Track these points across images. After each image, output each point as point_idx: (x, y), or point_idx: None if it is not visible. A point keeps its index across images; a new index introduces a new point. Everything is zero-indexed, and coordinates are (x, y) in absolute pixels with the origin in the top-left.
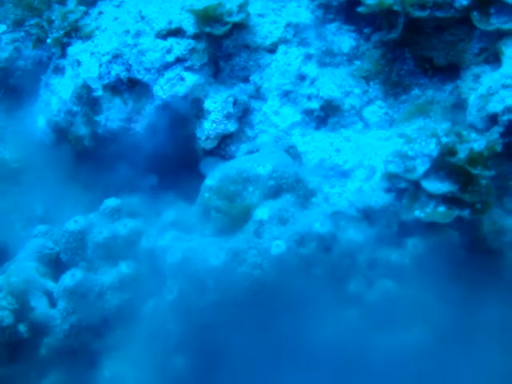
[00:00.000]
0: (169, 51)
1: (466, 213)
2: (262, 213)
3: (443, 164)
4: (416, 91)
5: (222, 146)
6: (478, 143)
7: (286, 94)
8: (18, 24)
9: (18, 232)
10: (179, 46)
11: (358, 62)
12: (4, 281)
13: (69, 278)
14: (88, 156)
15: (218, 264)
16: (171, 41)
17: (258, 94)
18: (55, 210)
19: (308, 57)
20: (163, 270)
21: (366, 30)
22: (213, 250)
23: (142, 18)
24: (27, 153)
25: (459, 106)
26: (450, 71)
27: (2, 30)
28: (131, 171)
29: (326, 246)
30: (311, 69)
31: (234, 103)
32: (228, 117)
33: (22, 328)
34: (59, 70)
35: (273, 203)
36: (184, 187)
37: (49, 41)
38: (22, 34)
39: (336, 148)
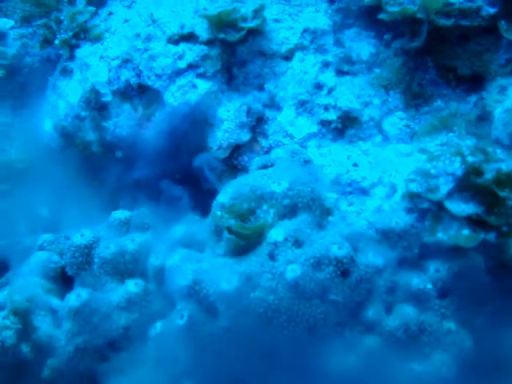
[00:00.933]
0: (181, 57)
1: (491, 236)
2: (277, 234)
3: (468, 184)
4: (438, 102)
5: (235, 156)
6: (506, 163)
7: (302, 104)
8: (25, 20)
9: (22, 234)
10: (192, 52)
11: (377, 70)
12: (7, 298)
13: (74, 299)
14: (96, 161)
15: (231, 289)
16: (183, 46)
17: (273, 103)
18: (61, 213)
19: (325, 64)
20: (172, 290)
21: (386, 37)
22: (225, 273)
23: (154, 21)
24: (33, 155)
25: (484, 118)
26: (475, 82)
27: (10, 25)
28: (140, 179)
29: (344, 270)
30: (329, 77)
31: (248, 112)
32: (241, 126)
33: (25, 348)
34: (67, 73)
35: (288, 223)
36: (195, 196)
37: (57, 42)
38: (30, 30)
39: (354, 162)
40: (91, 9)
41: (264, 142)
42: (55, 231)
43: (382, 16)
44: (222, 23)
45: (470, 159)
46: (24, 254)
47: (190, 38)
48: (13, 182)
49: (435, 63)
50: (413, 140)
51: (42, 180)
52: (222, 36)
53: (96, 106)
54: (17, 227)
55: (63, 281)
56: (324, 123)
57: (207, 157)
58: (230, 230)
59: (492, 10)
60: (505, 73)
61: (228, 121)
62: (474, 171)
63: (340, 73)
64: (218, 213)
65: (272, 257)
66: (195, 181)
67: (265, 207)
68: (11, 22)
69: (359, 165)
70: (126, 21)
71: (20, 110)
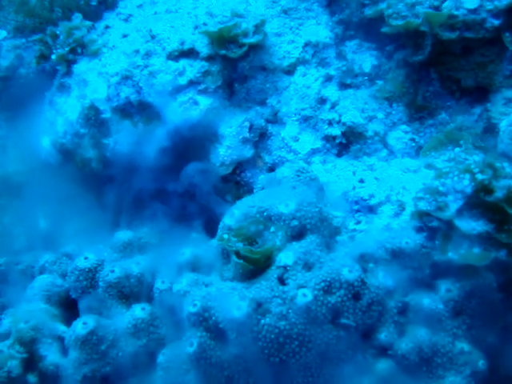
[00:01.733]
0: (181, 73)
1: (502, 254)
2: (286, 257)
3: (478, 202)
4: (443, 115)
5: (238, 172)
6: None
7: (305, 119)
8: (19, 30)
9: (21, 250)
10: (192, 69)
11: (380, 82)
12: (12, 326)
13: (80, 327)
14: (96, 178)
15: (240, 316)
16: (184, 62)
17: (276, 119)
18: (60, 229)
19: (328, 78)
20: (180, 316)
21: (388, 48)
22: (234, 299)
23: (153, 36)
24: (31, 169)
25: (489, 130)
26: (479, 93)
27: (3, 36)
28: (141, 196)
29: (355, 293)
30: (331, 91)
31: (250, 128)
32: (244, 142)
33: (31, 379)
34: (65, 89)
35: (297, 246)
36: (198, 214)
37: (53, 57)
38: (24, 40)
39: (360, 178)
40: (88, 23)
41: (267, 158)
42: (54, 247)
43: (384, 29)
44: (222, 39)
45: (479, 177)
46: (23, 273)
47: (190, 53)
48: (10, 196)
49: (439, 75)
50: (419, 155)
51: (40, 195)
52: (223, 52)
53: (95, 122)
54: (15, 243)
55: (67, 304)
56: (328, 138)
57: (205, 172)
58: (238, 254)
59: (496, 22)
60: (510, 84)
61: (230, 137)
62: (483, 189)
63: (343, 86)
64: (225, 236)
65: (282, 281)
66: (197, 197)
67: (272, 229)
68: (4, 33)
69: (365, 181)
70: (125, 36)
71: (15, 122)
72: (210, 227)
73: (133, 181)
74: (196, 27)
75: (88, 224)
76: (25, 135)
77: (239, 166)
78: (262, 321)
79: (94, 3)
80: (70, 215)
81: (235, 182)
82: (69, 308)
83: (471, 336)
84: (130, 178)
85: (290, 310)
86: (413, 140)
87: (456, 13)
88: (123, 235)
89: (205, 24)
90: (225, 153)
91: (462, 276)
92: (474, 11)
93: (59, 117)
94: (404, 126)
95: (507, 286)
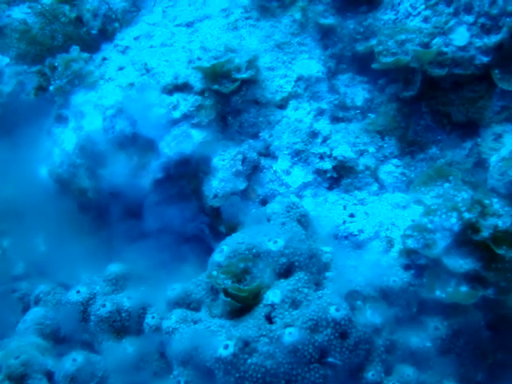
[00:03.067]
0: (175, 107)
1: (489, 292)
2: (274, 295)
3: (465, 240)
4: (434, 150)
5: (230, 204)
6: (503, 220)
7: (297, 153)
8: (21, 57)
9: (20, 274)
10: (186, 102)
11: (372, 115)
12: (3, 361)
13: (69, 364)
14: (92, 207)
15: (227, 355)
16: (178, 96)
17: (268, 152)
18: (57, 255)
19: (320, 112)
20: (169, 354)
21: (380, 81)
22: (221, 337)
23: (148, 70)
24: (29, 197)
25: (480, 164)
26: (469, 128)
27: (5, 62)
28: (135, 226)
29: (342, 331)
30: (323, 125)
31: (243, 161)
32: (237, 175)
33: None
34: (62, 119)
35: (285, 284)
36: (190, 246)
37: (51, 88)
38: (25, 67)
39: (350, 212)
40: (85, 55)
41: (260, 191)
42: (51, 273)
43: (375, 66)
44: (216, 74)
45: (466, 215)
46: (20, 301)
47: (184, 88)
48: (9, 222)
49: (430, 109)
50: (409, 189)
51: (38, 222)
52: (216, 87)
53: (91, 154)
54: (14, 268)
55: (59, 339)
56: (319, 172)
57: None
58: (226, 293)
59: (485, 59)
60: (500, 119)
61: (223, 169)
62: (470, 227)
63: (335, 119)
64: (214, 273)
65: (269, 319)
66: (190, 229)
67: (261, 266)
68: (6, 60)
69: (356, 215)
70: (121, 68)
71: (15, 147)
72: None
73: (127, 211)
74: (190, 61)
75: (84, 252)
76: (24, 162)
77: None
78: (249, 360)
79: (94, 32)
80: (67, 242)
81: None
82: (60, 340)
83: (459, 374)
84: (125, 209)
85: (277, 349)
86: (403, 174)
87: (445, 49)
88: (115, 268)
89: (199, 58)
90: (218, 185)
91: (450, 314)
92: (463, 48)
93: (56, 147)
94: (395, 160)
95: (495, 324)
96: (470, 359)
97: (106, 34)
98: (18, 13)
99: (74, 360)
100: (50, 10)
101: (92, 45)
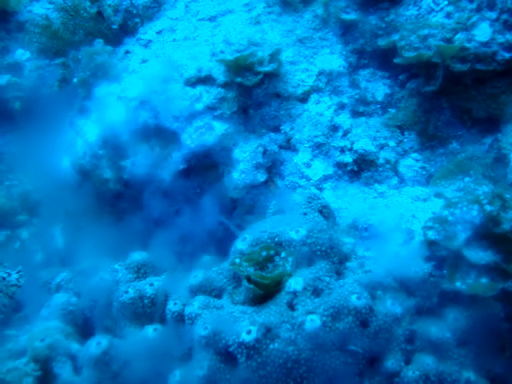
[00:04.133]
0: (198, 99)
1: (510, 284)
2: (296, 283)
3: (486, 232)
4: (454, 145)
5: (251, 196)
6: None
7: (318, 146)
8: (42, 52)
9: (38, 266)
10: (209, 95)
11: (392, 110)
12: (28, 344)
13: (94, 347)
14: (113, 198)
15: (250, 340)
16: (200, 89)
17: (289, 145)
18: (76, 245)
19: (341, 106)
20: (192, 338)
21: (401, 77)
22: (244, 323)
23: (171, 63)
24: (50, 187)
25: (500, 160)
26: (490, 123)
27: (26, 57)
28: (157, 217)
29: (363, 320)
30: (344, 119)
31: (264, 153)
32: (257, 167)
33: None
34: (85, 111)
35: (307, 272)
36: (212, 237)
37: (75, 80)
38: (47, 62)
39: (370, 205)
40: (108, 48)
41: (280, 183)
42: (71, 263)
43: (397, 60)
44: (239, 67)
45: (488, 208)
46: (41, 289)
47: (207, 80)
48: (29, 213)
49: (450, 104)
50: (429, 183)
51: (58, 212)
52: (238, 80)
53: (114, 145)
54: (33, 258)
55: (82, 322)
56: (340, 165)
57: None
58: (249, 279)
59: (507, 55)
60: None
61: (244, 162)
62: (491, 220)
63: (355, 114)
64: (237, 260)
65: (291, 306)
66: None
67: (283, 254)
68: (27, 54)
69: (376, 208)
70: (144, 61)
71: (35, 140)
72: (222, 248)
73: (149, 202)
74: (213, 55)
75: (104, 242)
76: (44, 154)
77: (252, 190)
78: (271, 346)
79: (115, 27)
80: (87, 233)
81: (249, 206)
82: (83, 326)
83: (478, 365)
84: (146, 199)
85: (299, 336)
86: (423, 168)
87: (468, 45)
88: (138, 256)
89: (222, 52)
90: (238, 177)
91: (470, 305)
92: (485, 44)
93: (79, 138)
94: (415, 155)
95: None
96: (488, 351)
97: (126, 30)
98: (39, 8)
99: (99, 343)
100: (72, 6)
101: (113, 40)
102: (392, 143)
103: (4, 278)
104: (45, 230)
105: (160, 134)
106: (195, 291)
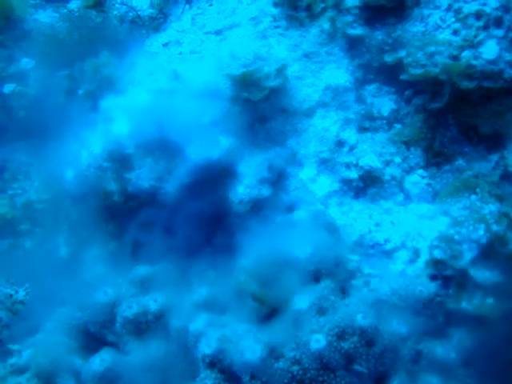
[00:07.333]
0: (204, 113)
1: None
2: (301, 302)
3: (492, 252)
4: (460, 161)
5: (256, 210)
6: None
7: (323, 162)
8: (47, 61)
9: (43, 276)
10: (214, 109)
11: (398, 126)
12: (31, 359)
13: (98, 363)
14: (117, 211)
15: (254, 359)
16: (206, 103)
17: (295, 160)
18: (80, 257)
19: (347, 121)
20: (196, 356)
21: (407, 92)
22: (249, 342)
23: (177, 76)
24: (54, 198)
25: (506, 177)
26: (496, 140)
27: (31, 65)
28: (160, 230)
29: (369, 339)
30: (350, 134)
31: (269, 168)
32: (262, 181)
33: None
34: (90, 123)
35: (312, 291)
36: (216, 251)
37: (80, 92)
38: (52, 71)
39: (376, 222)
40: (114, 60)
41: (285, 198)
42: (74, 275)
43: (403, 77)
44: (245, 82)
45: (494, 228)
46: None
47: (213, 94)
48: (32, 223)
49: (456, 121)
50: (435, 201)
51: (62, 223)
52: (245, 95)
53: (118, 157)
54: (36, 268)
55: (86, 336)
56: (345, 181)
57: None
58: (253, 297)
59: None
60: None
61: (249, 176)
62: (498, 239)
63: (361, 129)
64: (242, 277)
65: (296, 325)
66: (218, 234)
67: (288, 272)
68: (32, 63)
69: (381, 225)
70: (150, 74)
71: (40, 149)
72: (227, 263)
73: (153, 215)
74: (219, 69)
75: (107, 255)
76: (48, 164)
77: (257, 204)
78: (276, 365)
79: (121, 37)
80: (91, 245)
81: (253, 220)
82: (87, 340)
83: None
84: (151, 212)
85: (304, 355)
86: (429, 185)
87: (474, 63)
88: (142, 270)
89: (228, 66)
90: (243, 191)
91: (476, 326)
92: (492, 62)
93: (84, 150)
94: (421, 171)
95: None
96: (494, 371)
97: (132, 41)
98: (45, 17)
99: (102, 360)
100: (78, 16)
101: (120, 51)
102: (398, 159)
103: (11, 296)
104: (48, 240)
105: (165, 148)
106: (199, 307)
